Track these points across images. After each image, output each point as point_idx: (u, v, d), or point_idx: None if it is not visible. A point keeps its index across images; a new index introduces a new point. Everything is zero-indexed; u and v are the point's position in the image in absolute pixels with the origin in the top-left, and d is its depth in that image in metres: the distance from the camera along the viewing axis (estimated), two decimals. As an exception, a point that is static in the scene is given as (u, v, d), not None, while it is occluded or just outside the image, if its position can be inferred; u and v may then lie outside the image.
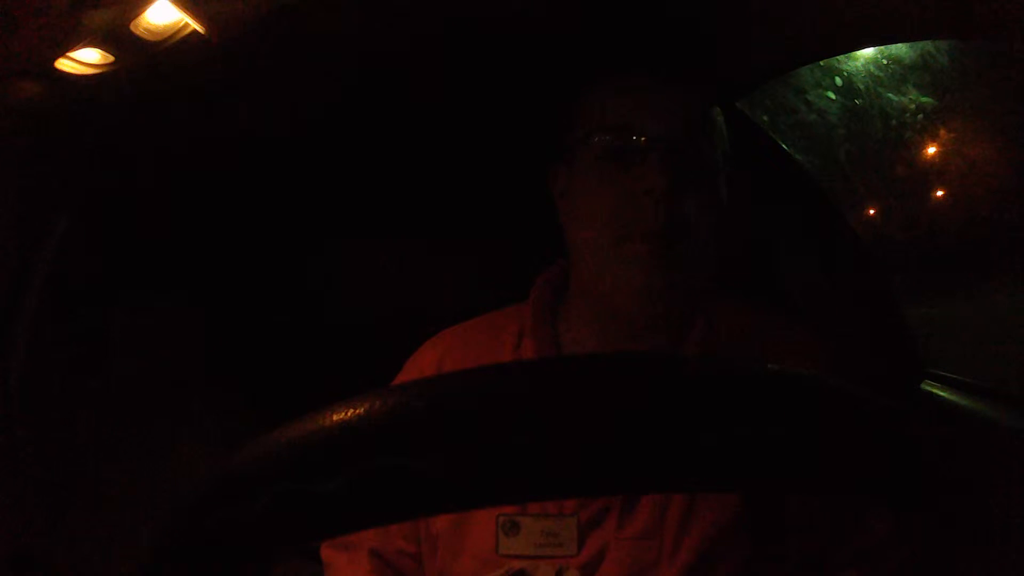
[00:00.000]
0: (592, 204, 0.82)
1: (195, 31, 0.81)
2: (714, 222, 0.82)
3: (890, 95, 1.39)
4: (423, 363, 0.93)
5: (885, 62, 1.30)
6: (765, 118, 1.39)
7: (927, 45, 1.23)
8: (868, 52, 1.25)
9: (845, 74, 1.33)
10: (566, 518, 0.79)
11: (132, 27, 0.79)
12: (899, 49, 1.26)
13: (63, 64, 0.82)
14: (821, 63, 1.26)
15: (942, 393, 1.22)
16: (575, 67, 0.89)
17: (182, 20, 0.80)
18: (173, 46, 0.82)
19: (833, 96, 1.39)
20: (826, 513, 0.79)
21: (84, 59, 0.83)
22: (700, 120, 0.83)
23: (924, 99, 1.42)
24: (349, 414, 0.34)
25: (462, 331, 0.95)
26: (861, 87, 1.36)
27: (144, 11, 0.77)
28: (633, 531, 0.78)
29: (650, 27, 0.95)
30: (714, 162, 0.84)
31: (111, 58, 0.83)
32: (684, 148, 0.80)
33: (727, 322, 0.88)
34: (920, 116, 1.50)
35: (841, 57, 1.26)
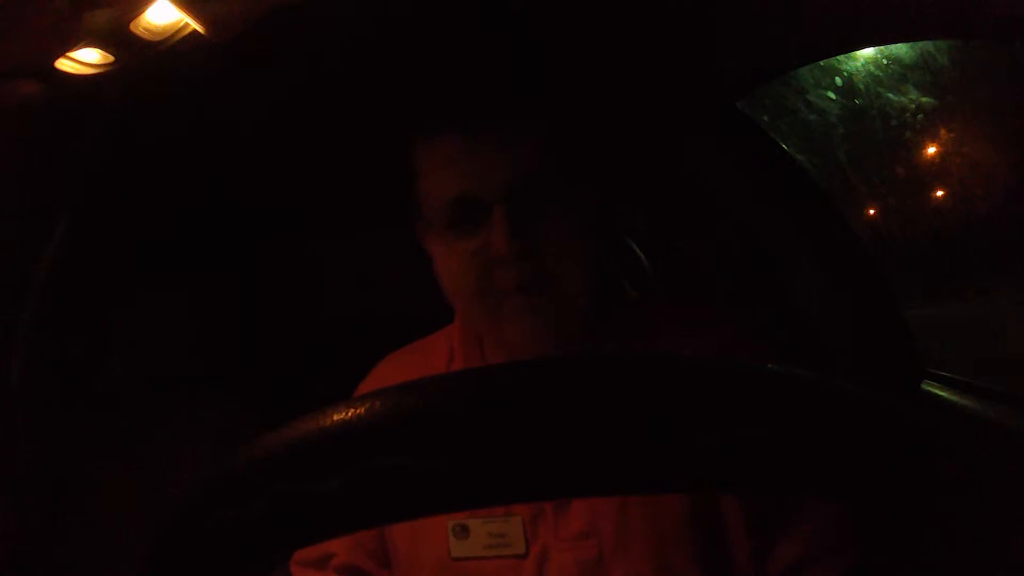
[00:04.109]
0: (455, 272, 0.79)
1: (195, 31, 0.81)
2: (584, 253, 0.79)
3: (890, 95, 1.39)
4: (369, 388, 0.94)
5: (885, 62, 1.30)
6: (765, 118, 1.39)
7: (927, 45, 1.23)
8: (868, 52, 1.25)
9: (845, 74, 1.33)
10: (511, 518, 0.80)
11: (132, 27, 0.79)
12: (899, 49, 1.26)
13: (63, 64, 0.82)
14: (821, 63, 1.26)
15: (942, 393, 1.22)
16: (391, 137, 0.83)
17: (182, 20, 0.80)
18: (173, 46, 0.82)
19: (833, 96, 1.39)
20: (774, 508, 0.79)
21: (84, 59, 0.83)
22: (537, 162, 0.76)
23: (924, 99, 1.42)
24: (348, 414, 0.34)
25: (400, 356, 0.97)
26: (861, 87, 1.36)
27: (144, 11, 0.77)
28: (569, 532, 0.79)
29: (453, 83, 0.85)
30: (567, 193, 0.78)
31: (111, 58, 0.83)
32: (527, 196, 0.75)
33: (662, 326, 0.87)
34: (920, 116, 1.50)
35: (841, 57, 1.26)
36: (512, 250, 0.73)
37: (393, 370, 0.95)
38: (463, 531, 0.81)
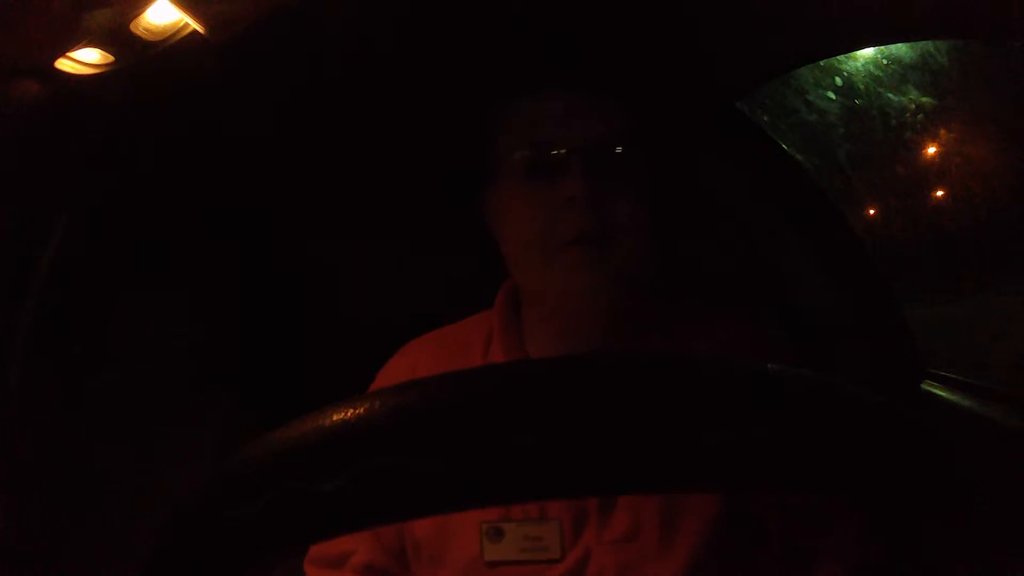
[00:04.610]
0: (521, 219, 0.83)
1: (195, 31, 0.81)
2: (644, 223, 0.84)
3: (890, 95, 1.39)
4: (396, 373, 0.94)
5: (885, 62, 1.29)
6: (765, 118, 1.39)
7: (927, 45, 1.23)
8: (868, 52, 1.25)
9: (845, 74, 1.33)
10: (549, 522, 0.79)
11: (132, 27, 0.79)
12: (899, 49, 1.26)
13: (63, 64, 0.82)
14: (821, 63, 1.26)
15: (942, 393, 1.22)
16: (489, 89, 0.90)
17: (182, 20, 0.80)
18: (173, 46, 0.82)
19: (833, 96, 1.39)
20: (802, 507, 0.80)
21: (84, 59, 0.83)
22: (617, 129, 0.84)
23: (924, 99, 1.42)
24: (350, 414, 0.34)
25: (432, 339, 0.97)
26: (861, 87, 1.36)
27: (144, 11, 0.77)
28: (613, 534, 0.79)
29: (562, 44, 0.96)
30: (636, 167, 0.85)
31: (111, 58, 0.83)
32: (603, 156, 0.82)
33: (686, 328, 0.89)
34: (920, 116, 1.50)
35: (841, 57, 1.26)
36: (583, 192, 0.78)
37: (424, 356, 0.94)
38: (497, 534, 0.80)
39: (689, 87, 1.18)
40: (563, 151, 0.81)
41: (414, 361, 0.94)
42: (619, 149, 0.83)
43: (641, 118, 0.87)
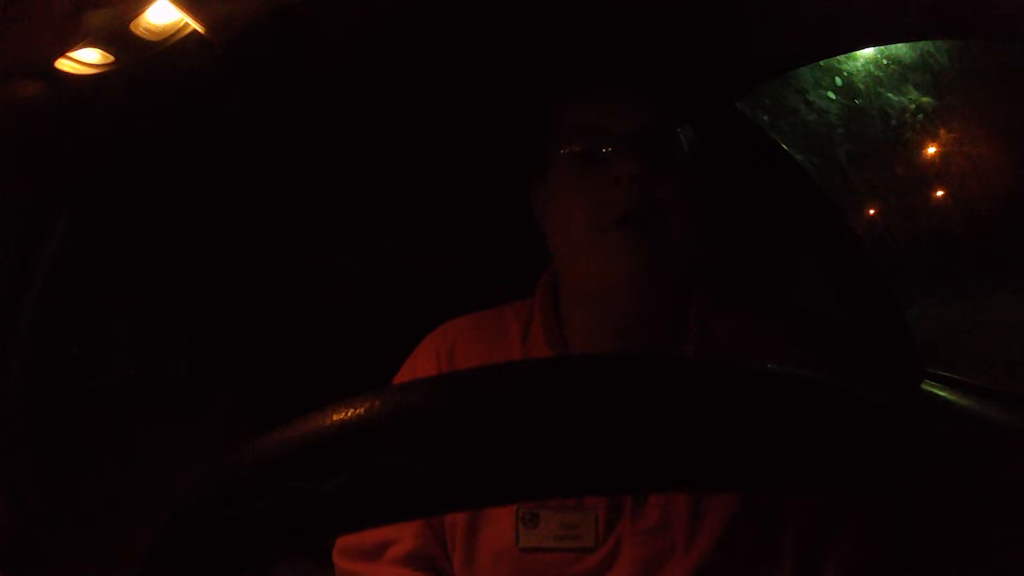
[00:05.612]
0: (569, 201, 0.86)
1: (195, 31, 0.81)
2: (686, 211, 0.86)
3: (890, 95, 1.39)
4: (433, 354, 0.94)
5: (885, 62, 1.30)
6: (765, 118, 1.39)
7: (927, 45, 1.23)
8: (868, 52, 1.25)
9: (845, 74, 1.33)
10: (585, 511, 0.81)
11: (132, 27, 0.79)
12: (899, 49, 1.26)
13: (63, 64, 0.82)
14: (821, 63, 1.26)
15: (942, 393, 1.22)
16: (543, 84, 0.93)
17: (182, 20, 0.80)
18: (173, 46, 0.82)
19: (833, 96, 1.39)
20: (816, 505, 0.80)
21: (84, 59, 0.83)
22: (664, 122, 0.88)
23: (924, 99, 1.42)
24: (350, 414, 0.34)
25: (468, 323, 0.97)
26: (861, 87, 1.37)
27: (144, 11, 0.77)
28: (645, 525, 0.80)
29: (613, 43, 1.00)
30: (681, 158, 0.88)
31: (111, 58, 0.83)
32: (651, 144, 0.85)
33: (719, 323, 0.91)
34: (920, 116, 1.50)
35: (841, 57, 1.26)
36: (631, 173, 0.81)
37: (463, 338, 0.94)
38: (533, 519, 0.81)
39: (697, 86, 1.18)
40: (613, 140, 0.84)
41: (452, 343, 0.94)
42: (664, 142, 0.87)
43: (677, 115, 0.91)
